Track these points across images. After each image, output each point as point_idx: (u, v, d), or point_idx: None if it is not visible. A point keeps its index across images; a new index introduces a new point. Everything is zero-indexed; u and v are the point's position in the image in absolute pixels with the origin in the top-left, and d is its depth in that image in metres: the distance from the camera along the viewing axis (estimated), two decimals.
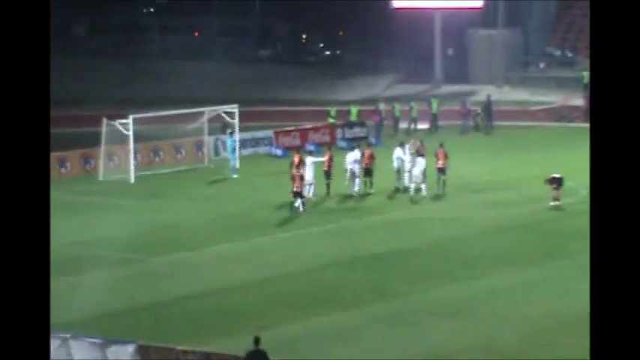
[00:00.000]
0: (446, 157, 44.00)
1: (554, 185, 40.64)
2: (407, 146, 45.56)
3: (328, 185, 43.59)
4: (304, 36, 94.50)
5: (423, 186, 43.45)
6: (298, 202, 40.43)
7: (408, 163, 44.73)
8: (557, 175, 40.67)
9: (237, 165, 48.80)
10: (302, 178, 40.96)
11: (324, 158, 43.92)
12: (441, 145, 44.91)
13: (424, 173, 43.25)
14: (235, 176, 48.13)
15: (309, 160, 43.28)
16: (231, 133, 50.53)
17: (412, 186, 43.68)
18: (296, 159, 42.30)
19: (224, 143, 51.44)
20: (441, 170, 43.96)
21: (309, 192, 42.68)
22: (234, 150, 48.88)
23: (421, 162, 43.44)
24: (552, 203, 40.52)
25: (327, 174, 43.60)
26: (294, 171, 41.08)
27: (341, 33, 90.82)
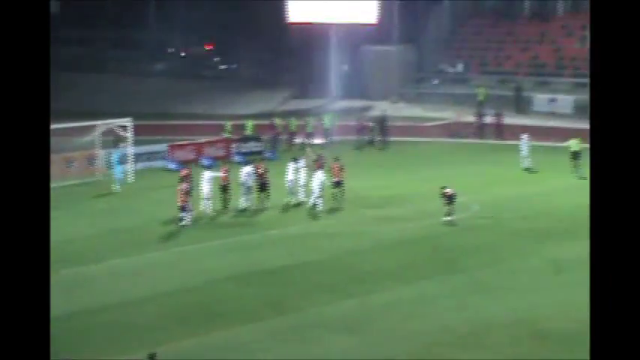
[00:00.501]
0: (341, 170, 44.41)
1: (447, 201, 41.11)
2: (301, 161, 45.78)
3: (225, 200, 43.59)
4: (200, 50, 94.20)
5: (320, 200, 43.72)
6: (182, 216, 40.45)
7: (303, 177, 45.01)
8: (449, 191, 41.14)
9: (123, 178, 48.55)
10: (187, 192, 40.88)
11: (222, 173, 43.89)
12: (337, 159, 45.32)
13: (322, 187, 43.54)
14: (118, 189, 47.85)
15: (207, 174, 43.22)
16: (116, 147, 50.50)
17: (310, 200, 43.88)
18: (183, 172, 42.44)
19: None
20: (337, 184, 44.32)
21: (206, 207, 42.65)
22: (119, 163, 48.74)
23: (319, 176, 43.71)
24: (445, 218, 40.99)
25: (224, 188, 43.59)
26: (180, 185, 41.10)
27: (240, 46, 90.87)
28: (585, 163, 50.60)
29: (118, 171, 48.53)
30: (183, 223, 40.48)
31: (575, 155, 50.80)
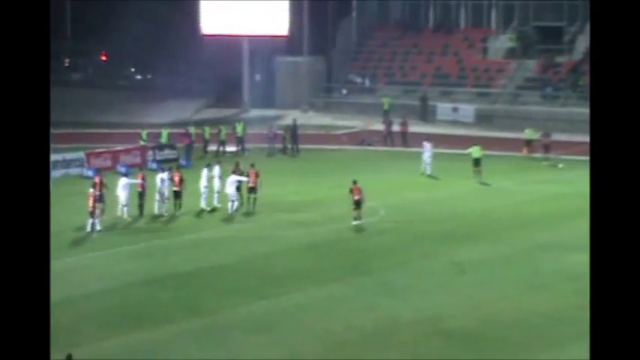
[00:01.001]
0: (257, 176, 44.50)
1: (355, 205, 41.19)
2: (216, 167, 45.67)
3: (141, 206, 43.24)
4: (115, 60, 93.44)
5: (235, 204, 43.74)
6: (92, 222, 40.10)
7: (217, 184, 44.92)
8: (357, 197, 41.22)
9: None
10: (96, 199, 40.49)
11: (139, 180, 43.51)
12: (252, 166, 45.37)
13: (235, 190, 43.64)
14: None
15: (123, 181, 42.87)
16: None
17: (229, 204, 43.86)
18: (95, 179, 42.15)
19: None
20: (252, 189, 44.37)
21: (123, 213, 42.32)
22: None
23: (234, 181, 43.73)
24: (354, 223, 41.09)
25: (141, 195, 43.25)
26: (90, 191, 40.69)
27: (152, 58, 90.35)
28: (485, 169, 51.33)
29: None
30: (93, 229, 40.05)
31: (477, 162, 51.27)
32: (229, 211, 43.98)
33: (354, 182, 41.55)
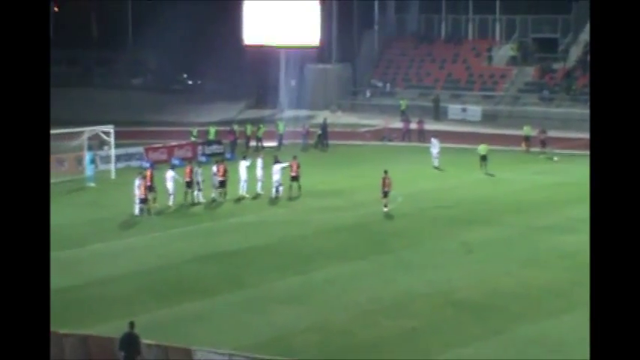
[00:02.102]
0: (298, 167, 44.67)
1: (383, 195, 40.91)
2: (258, 160, 45.73)
3: (186, 194, 43.13)
4: (170, 67, 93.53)
5: (280, 189, 44.05)
6: (141, 207, 40.20)
7: (259, 173, 44.96)
8: (386, 189, 40.97)
9: (93, 176, 47.94)
10: (147, 188, 40.51)
11: (171, 176, 43.14)
12: (294, 158, 45.65)
13: (280, 177, 44.10)
14: (92, 185, 47.46)
15: (170, 173, 42.67)
16: (101, 149, 50.38)
17: (273, 190, 43.96)
18: (147, 172, 42.18)
19: (101, 158, 50.90)
20: (295, 178, 44.46)
21: (169, 200, 42.32)
22: (91, 163, 48.47)
23: (278, 170, 44.10)
24: (385, 210, 40.77)
25: (188, 184, 43.20)
26: (140, 182, 40.65)
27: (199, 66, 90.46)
28: (489, 162, 51.09)
29: (89, 170, 48.23)
30: (144, 213, 40.13)
31: (483, 158, 51.05)
32: (272, 195, 44.00)
33: (385, 172, 41.35)
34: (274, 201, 43.90)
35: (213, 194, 43.70)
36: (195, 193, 43.33)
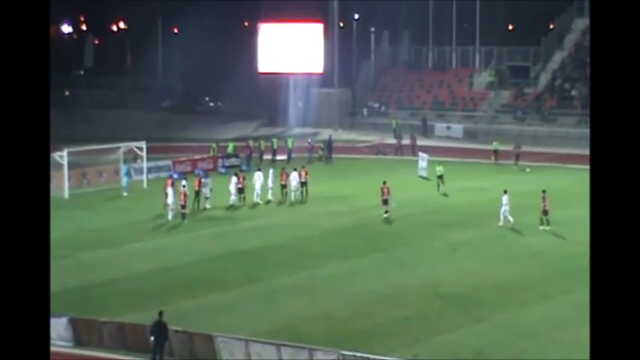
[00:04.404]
0: (307, 174, 44.88)
1: (383, 203, 40.61)
2: (270, 170, 45.81)
3: (195, 202, 42.47)
4: (194, 92, 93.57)
5: (297, 194, 44.61)
6: (184, 212, 40.05)
7: (270, 182, 45.03)
8: (385, 197, 40.79)
9: (127, 186, 47.57)
10: (186, 195, 40.41)
11: (195, 181, 43.07)
12: (303, 167, 46.04)
13: (296, 185, 44.62)
14: (126, 194, 47.32)
15: (182, 182, 42.20)
16: (135, 162, 50.46)
17: (291, 194, 44.47)
18: (184, 182, 41.97)
19: (135, 170, 50.90)
20: (304, 184, 44.65)
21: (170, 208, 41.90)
22: (126, 174, 48.40)
23: (295, 177, 44.67)
24: (384, 216, 40.55)
25: (197, 193, 42.63)
26: (182, 190, 40.61)
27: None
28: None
29: (124, 181, 48.18)
30: (179, 217, 40.09)
31: (440, 177, 47.50)
32: (291, 199, 44.37)
33: (384, 182, 41.26)
34: (288, 205, 43.85)
35: (232, 201, 43.65)
36: (207, 204, 42.85)
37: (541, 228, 37.67)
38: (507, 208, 38.42)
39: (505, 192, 38.92)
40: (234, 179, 44.07)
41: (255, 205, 44.26)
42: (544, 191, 38.52)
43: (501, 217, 38.55)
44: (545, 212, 37.71)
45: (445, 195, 46.22)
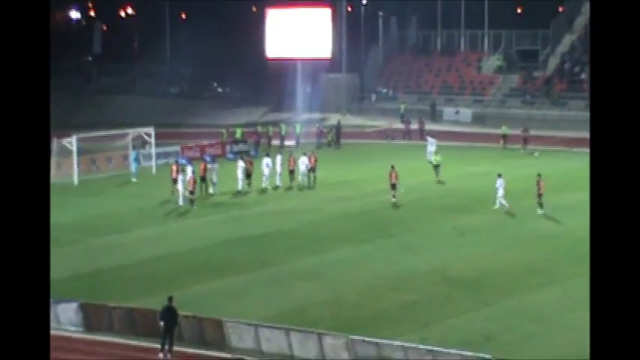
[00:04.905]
0: (316, 160, 45.04)
1: (391, 187, 40.59)
2: (278, 156, 45.85)
3: (202, 187, 42.39)
4: (202, 77, 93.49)
5: (305, 179, 44.74)
6: (192, 198, 40.17)
7: (278, 168, 45.10)
8: (393, 181, 40.81)
9: (137, 172, 47.68)
10: (194, 181, 40.43)
11: (201, 167, 43.16)
12: (312, 152, 46.17)
13: (305, 169, 44.83)
14: (135, 180, 47.43)
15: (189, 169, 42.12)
16: (143, 148, 50.56)
17: (300, 178, 44.64)
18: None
19: (143, 156, 50.99)
20: (312, 169, 44.83)
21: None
22: (135, 160, 48.46)
23: (304, 162, 44.80)
24: (393, 200, 40.62)
25: (202, 179, 42.53)
26: (191, 176, 40.70)
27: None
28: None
29: (133, 167, 48.29)
30: (182, 202, 40.19)
31: (436, 167, 46.63)
32: (300, 184, 44.57)
33: (392, 167, 41.27)
34: (296, 190, 44.01)
35: (239, 187, 43.73)
36: (211, 189, 42.90)
37: (539, 212, 37.75)
38: (502, 192, 38.54)
39: (499, 175, 39.02)
40: (240, 164, 44.15)
41: (263, 190, 44.34)
42: (539, 175, 38.57)
43: (497, 202, 38.67)
44: (540, 196, 37.78)
45: (441, 182, 45.79)
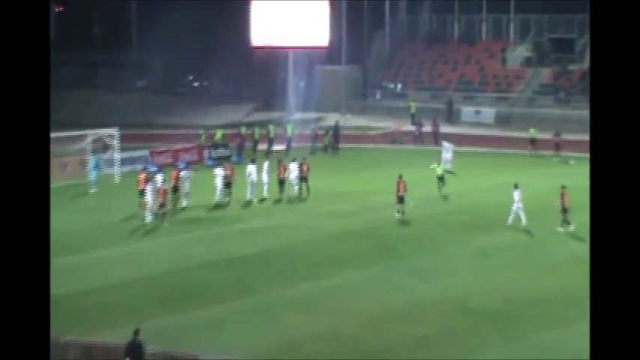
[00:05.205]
0: (308, 168, 45.18)
1: (398, 200, 40.75)
2: (265, 163, 45.88)
3: (173, 199, 42.68)
4: (176, 69, 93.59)
5: (296, 188, 45.15)
6: (148, 214, 40.21)
7: (265, 177, 45.12)
8: (400, 193, 40.85)
9: (96, 181, 47.89)
10: (165, 192, 40.56)
11: (172, 175, 43.19)
12: (304, 159, 46.22)
13: (297, 178, 45.26)
14: (94, 191, 47.41)
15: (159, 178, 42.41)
16: (104, 153, 50.57)
17: (291, 189, 45.05)
18: (143, 176, 42.08)
19: (105, 162, 50.99)
20: (305, 179, 44.90)
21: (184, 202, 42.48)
22: (95, 167, 48.45)
23: (295, 171, 45.18)
24: (397, 216, 40.68)
25: (175, 189, 42.82)
26: (162, 185, 40.81)
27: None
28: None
29: (93, 175, 48.24)
30: (148, 218, 40.23)
31: (440, 178, 46.22)
32: (291, 196, 45.09)
33: (400, 177, 41.31)
34: (287, 203, 44.08)
35: (217, 198, 43.77)
36: (185, 202, 43.02)
37: (560, 230, 37.83)
38: (520, 205, 38.73)
39: (516, 186, 39.19)
40: (219, 172, 44.17)
41: (247, 203, 44.36)
42: (563, 187, 38.73)
43: (511, 216, 38.81)
44: (565, 210, 37.98)
45: (445, 198, 45.63)
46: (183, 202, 43.25)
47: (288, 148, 60.41)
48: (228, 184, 44.16)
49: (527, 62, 76.44)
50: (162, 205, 40.35)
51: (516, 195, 39.18)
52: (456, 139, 56.10)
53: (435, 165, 47.21)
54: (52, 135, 52.14)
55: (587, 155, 49.67)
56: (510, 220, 39.05)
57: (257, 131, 61.28)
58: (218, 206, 43.58)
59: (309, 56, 76.82)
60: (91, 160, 49.07)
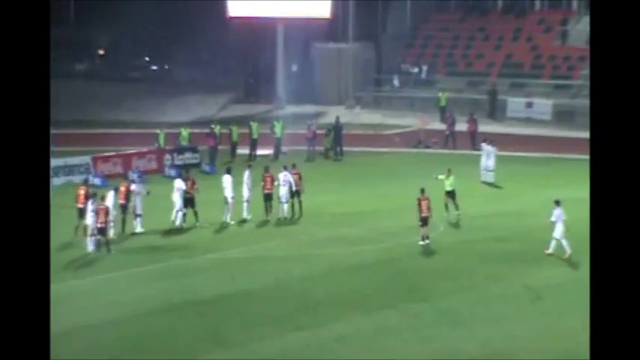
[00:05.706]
0: (300, 178, 45.20)
1: (422, 223, 40.95)
2: (246, 173, 45.82)
3: (122, 221, 43.22)
4: (126, 49, 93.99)
5: (286, 207, 45.55)
6: (96, 240, 40.36)
7: (246, 192, 45.14)
8: (424, 214, 40.87)
9: None
10: (107, 212, 40.59)
11: (122, 189, 43.33)
12: (294, 166, 46.08)
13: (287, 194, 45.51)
14: None
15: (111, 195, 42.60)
16: None
17: (283, 207, 45.52)
18: (83, 191, 42.35)
19: None
20: (297, 193, 45.03)
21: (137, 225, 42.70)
22: None
23: (286, 183, 45.46)
24: (421, 242, 40.90)
25: (124, 208, 43.21)
26: (101, 204, 40.79)
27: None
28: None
29: None
30: (93, 247, 40.26)
31: (449, 194, 46.50)
32: (280, 216, 45.49)
33: (422, 192, 41.42)
34: (274, 226, 44.34)
35: (178, 220, 43.86)
36: (136, 224, 43.41)
37: None
38: (562, 228, 38.87)
39: (557, 203, 39.35)
40: (177, 184, 44.18)
41: (222, 226, 44.47)
42: None
43: (552, 243, 39.02)
44: None
45: (456, 225, 45.52)
46: (137, 226, 43.40)
47: (277, 152, 60.59)
48: (188, 200, 44.11)
49: None
50: (105, 230, 40.41)
51: (556, 215, 39.20)
52: (500, 141, 56.25)
53: (443, 176, 46.58)
54: None
55: None
56: (552, 248, 39.17)
57: (235, 130, 61.38)
58: (176, 231, 43.60)
59: (305, 31, 76.95)
60: None
